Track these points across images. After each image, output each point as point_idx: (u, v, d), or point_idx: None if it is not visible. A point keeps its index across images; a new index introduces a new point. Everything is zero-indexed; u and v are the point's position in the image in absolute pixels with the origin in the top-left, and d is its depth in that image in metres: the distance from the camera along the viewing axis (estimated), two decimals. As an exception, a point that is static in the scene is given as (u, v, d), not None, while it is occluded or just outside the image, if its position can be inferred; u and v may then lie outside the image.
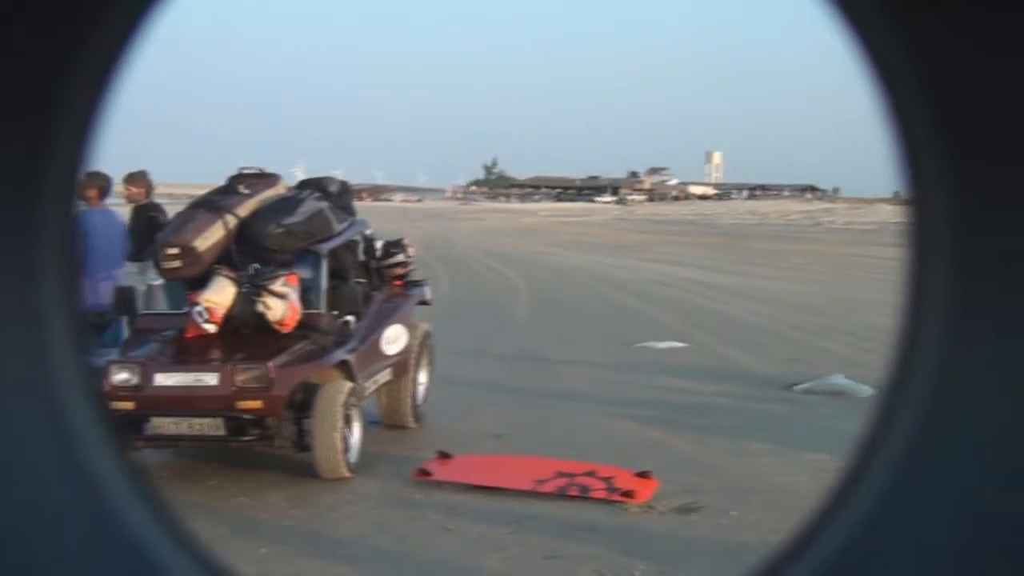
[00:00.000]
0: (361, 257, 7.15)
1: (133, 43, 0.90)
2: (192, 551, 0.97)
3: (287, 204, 6.12)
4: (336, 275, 6.55)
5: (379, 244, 7.43)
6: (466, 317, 13.30)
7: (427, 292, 7.89)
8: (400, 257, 7.52)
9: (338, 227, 6.42)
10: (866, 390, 8.28)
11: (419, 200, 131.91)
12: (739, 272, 21.69)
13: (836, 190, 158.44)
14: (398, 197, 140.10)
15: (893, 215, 76.57)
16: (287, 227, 5.98)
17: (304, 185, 6.64)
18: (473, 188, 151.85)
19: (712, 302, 15.54)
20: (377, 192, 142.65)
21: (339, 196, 6.66)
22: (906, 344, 0.95)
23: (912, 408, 0.90)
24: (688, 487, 5.70)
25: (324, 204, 6.32)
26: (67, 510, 0.86)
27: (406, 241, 7.69)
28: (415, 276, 7.85)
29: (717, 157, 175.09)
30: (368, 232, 7.15)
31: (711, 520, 5.20)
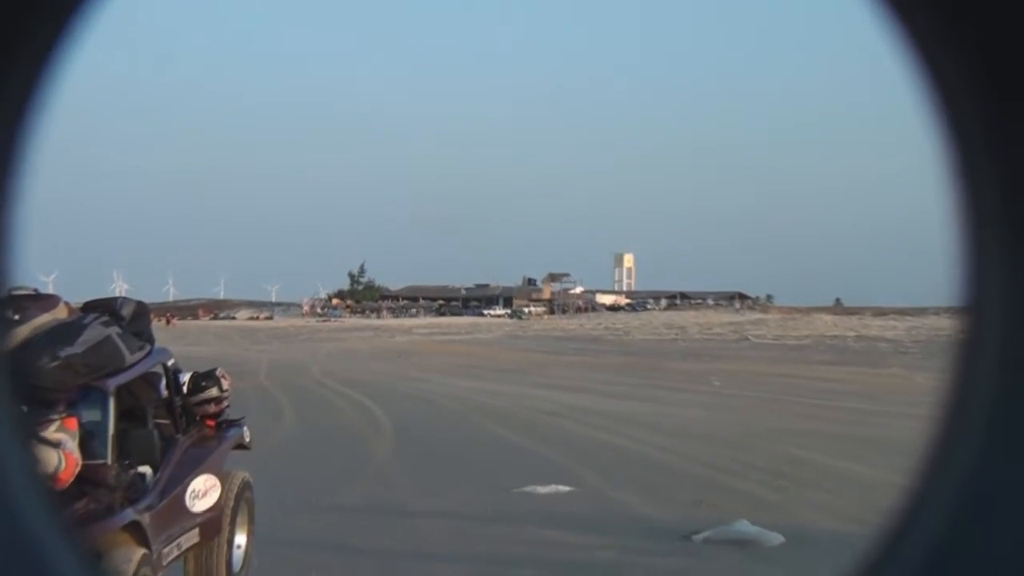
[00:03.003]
0: (162, 393, 7.18)
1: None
2: None
3: (66, 332, 6.15)
4: (129, 416, 6.56)
5: (185, 377, 7.48)
6: (311, 461, 13.26)
7: (246, 433, 7.92)
8: (212, 392, 7.57)
9: (130, 357, 6.46)
10: (774, 538, 8.67)
11: (268, 317, 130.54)
12: (645, 398, 22.30)
13: (769, 298, 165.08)
14: (242, 314, 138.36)
15: (830, 327, 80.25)
16: (65, 359, 6.00)
17: (89, 308, 6.69)
18: (336, 301, 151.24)
19: (609, 435, 15.93)
20: (214, 309, 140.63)
21: (133, 320, 6.73)
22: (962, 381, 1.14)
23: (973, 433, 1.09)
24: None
25: (112, 330, 6.37)
26: None
27: (220, 372, 7.75)
28: (231, 414, 7.89)
29: (629, 260, 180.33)
30: (171, 363, 7.21)
31: None
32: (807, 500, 10.70)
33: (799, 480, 11.85)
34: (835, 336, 64.53)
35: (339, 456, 13.89)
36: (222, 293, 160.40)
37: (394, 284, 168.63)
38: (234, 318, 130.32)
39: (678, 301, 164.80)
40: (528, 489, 11.20)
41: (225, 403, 7.74)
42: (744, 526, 9.05)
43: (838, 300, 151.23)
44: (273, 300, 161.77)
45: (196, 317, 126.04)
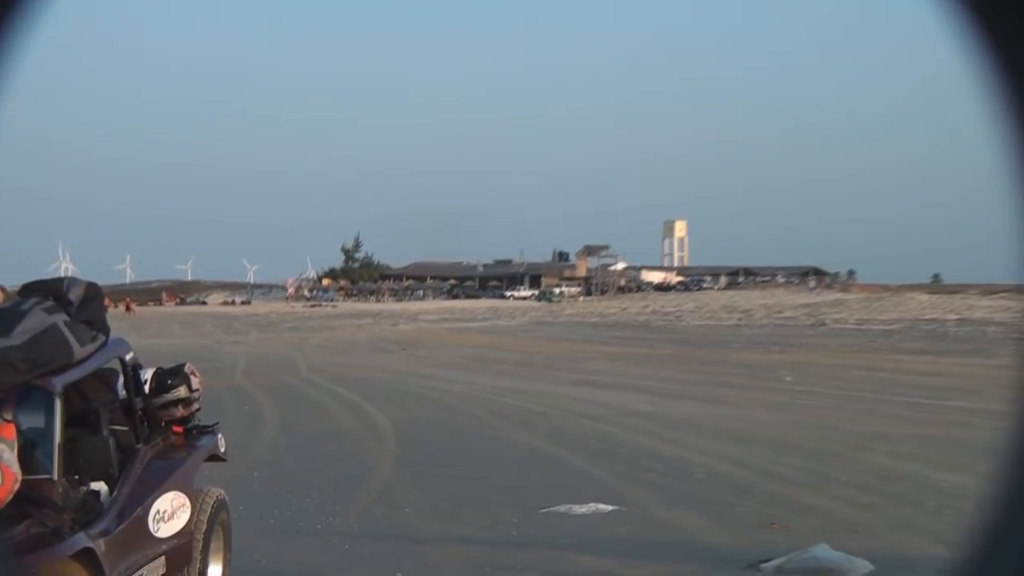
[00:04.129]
0: (119, 394, 7.19)
1: None
2: None
3: (1, 320, 6.16)
4: (79, 422, 6.57)
5: (147, 374, 7.49)
6: (299, 476, 13.30)
7: (220, 442, 7.94)
8: (180, 392, 7.58)
9: (80, 351, 6.47)
10: (860, 566, 8.62)
11: (246, 301, 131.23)
12: (702, 397, 22.28)
13: (851, 274, 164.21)
14: (215, 298, 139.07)
15: (926, 308, 79.94)
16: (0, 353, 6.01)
17: (29, 291, 6.69)
18: (327, 282, 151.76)
19: (659, 442, 15.90)
20: (180, 292, 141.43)
21: (83, 305, 6.72)
22: None
23: None
24: None
25: (58, 317, 6.38)
26: None
27: (189, 368, 7.76)
28: (203, 419, 7.91)
29: (680, 228, 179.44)
30: (129, 357, 7.22)
31: None
32: (900, 520, 10.64)
33: (890, 495, 11.79)
34: (932, 320, 64.28)
35: (332, 470, 13.93)
36: (190, 274, 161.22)
37: (396, 261, 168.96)
38: (205, 303, 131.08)
39: (740, 279, 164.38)
40: (562, 509, 11.19)
41: (195, 406, 7.77)
42: (824, 551, 8.99)
43: (936, 276, 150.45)
44: (251, 281, 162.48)
45: (159, 302, 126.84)
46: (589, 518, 10.86)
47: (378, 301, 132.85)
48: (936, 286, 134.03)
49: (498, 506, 11.51)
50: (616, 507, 11.26)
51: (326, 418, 19.60)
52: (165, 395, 7.52)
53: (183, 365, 7.80)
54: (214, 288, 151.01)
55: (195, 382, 7.73)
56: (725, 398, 22.17)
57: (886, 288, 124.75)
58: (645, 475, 13.23)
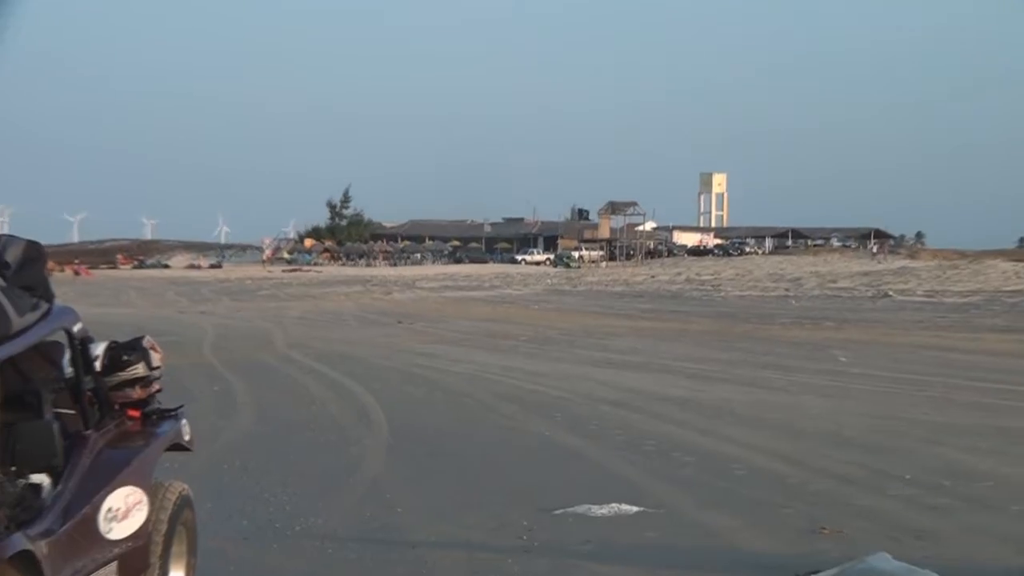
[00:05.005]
0: (65, 371, 7.19)
1: None
2: None
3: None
4: (17, 404, 6.56)
5: (99, 349, 7.49)
6: (277, 469, 13.34)
7: (184, 429, 7.94)
8: (138, 370, 7.59)
9: (19, 321, 6.45)
10: (928, 578, 8.58)
11: (215, 265, 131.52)
12: (744, 380, 22.33)
13: (919, 237, 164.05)
14: (179, 260, 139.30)
15: (1010, 278, 79.66)
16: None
17: (-47, 253, 6.67)
18: (309, 243, 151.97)
19: (693, 433, 15.94)
20: (139, 254, 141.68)
21: (22, 268, 6.71)
22: None
23: None
24: None
25: (-8, 283, 6.37)
26: None
27: (148, 343, 7.76)
28: (164, 402, 7.91)
29: (720, 182, 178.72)
30: (78, 329, 7.20)
31: None
32: (975, 525, 10.63)
33: (964, 497, 11.78)
34: (1017, 292, 64.01)
35: (315, 462, 13.97)
36: (149, 232, 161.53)
37: (391, 218, 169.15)
38: (167, 266, 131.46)
39: (789, 242, 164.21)
40: (580, 509, 11.20)
41: (155, 386, 7.79)
42: (883, 562, 8.95)
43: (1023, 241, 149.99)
44: (222, 241, 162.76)
45: (114, 265, 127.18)
46: (611, 520, 10.87)
47: (369, 265, 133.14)
48: (1023, 252, 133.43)
49: (506, 506, 11.52)
50: (642, 508, 11.26)
51: (308, 402, 19.62)
52: (120, 373, 7.52)
53: (141, 339, 7.79)
54: (178, 249, 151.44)
55: (155, 358, 7.73)
56: (769, 382, 22.20)
57: (961, 254, 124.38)
58: (676, 471, 13.24)
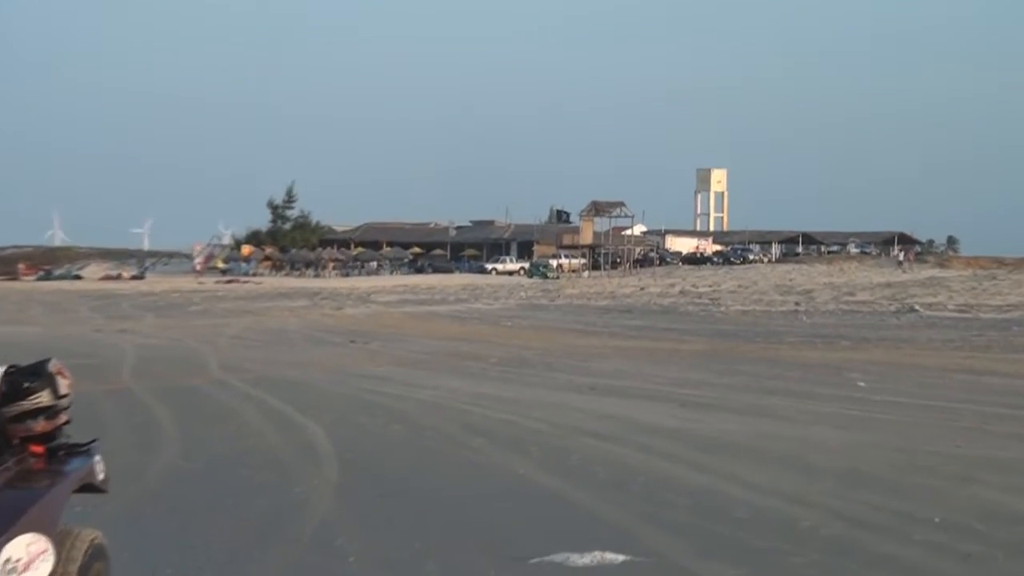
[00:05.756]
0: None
1: None
2: None
3: None
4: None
5: (-4, 374, 7.43)
6: (207, 513, 13.26)
7: (98, 467, 7.86)
8: (42, 398, 7.49)
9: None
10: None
11: (137, 275, 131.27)
12: (748, 409, 22.30)
13: (951, 243, 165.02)
14: (95, 270, 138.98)
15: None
16: None
17: None
18: (247, 250, 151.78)
19: (687, 470, 15.87)
20: (44, 263, 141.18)
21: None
22: None
23: None
24: None
25: None
26: None
27: (55, 367, 7.68)
28: (73, 436, 7.83)
29: (719, 179, 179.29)
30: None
31: None
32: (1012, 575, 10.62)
33: (1001, 543, 11.77)
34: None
35: (253, 504, 13.85)
36: (57, 238, 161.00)
37: (343, 221, 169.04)
38: (79, 277, 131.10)
39: (799, 249, 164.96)
40: (558, 558, 11.14)
41: (63, 417, 7.69)
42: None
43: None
44: (145, 248, 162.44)
45: (14, 276, 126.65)
46: (594, 571, 10.81)
47: (317, 276, 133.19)
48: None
49: (473, 554, 11.45)
50: (629, 556, 11.21)
51: (245, 434, 19.51)
52: (21, 403, 7.42)
53: (46, 362, 7.70)
54: (92, 257, 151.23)
55: (63, 385, 7.64)
56: (776, 410, 22.15)
57: (1000, 262, 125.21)
58: (668, 514, 13.16)
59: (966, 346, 38.76)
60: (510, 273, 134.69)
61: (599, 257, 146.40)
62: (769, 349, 37.49)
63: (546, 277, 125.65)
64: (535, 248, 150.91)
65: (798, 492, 14.27)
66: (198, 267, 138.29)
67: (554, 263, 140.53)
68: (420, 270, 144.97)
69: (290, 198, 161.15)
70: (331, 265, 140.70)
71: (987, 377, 28.46)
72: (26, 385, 7.50)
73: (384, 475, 15.83)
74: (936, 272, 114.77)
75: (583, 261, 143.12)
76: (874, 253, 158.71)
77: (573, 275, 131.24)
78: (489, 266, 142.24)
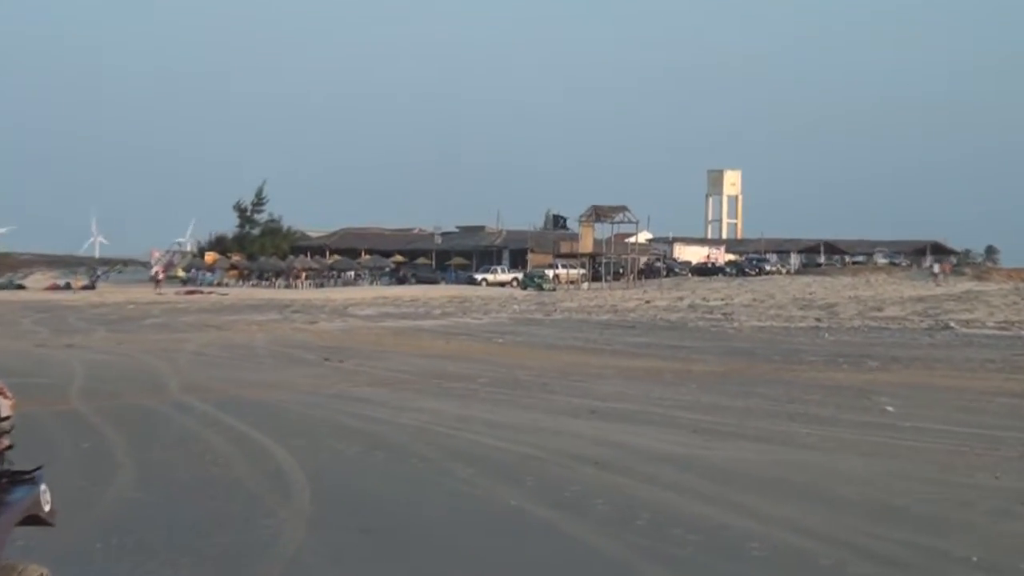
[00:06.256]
0: None
1: None
2: None
3: None
4: None
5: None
6: (163, 550, 13.21)
7: (44, 497, 7.77)
8: (-21, 424, 7.46)
9: None
10: None
11: (88, 285, 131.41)
12: (761, 436, 22.29)
13: (989, 253, 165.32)
14: (39, 279, 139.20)
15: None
16: None
17: None
18: (211, 257, 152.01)
19: (697, 502, 15.86)
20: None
21: None
22: None
23: None
24: None
25: None
26: None
27: (-5, 388, 7.63)
28: (16, 463, 7.75)
29: (733, 181, 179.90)
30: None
31: None
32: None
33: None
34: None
35: (216, 539, 13.80)
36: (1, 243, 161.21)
37: (318, 226, 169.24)
38: (22, 287, 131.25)
39: (821, 259, 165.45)
40: (554, 601, 11.10)
41: (5, 442, 7.65)
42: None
43: None
44: (97, 255, 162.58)
45: None
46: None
47: (288, 286, 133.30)
48: None
49: (460, 597, 11.43)
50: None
51: (207, 462, 19.46)
52: (-44, 428, 7.38)
53: (-13, 383, 7.66)
54: (37, 264, 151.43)
55: (4, 406, 7.60)
56: (796, 437, 22.13)
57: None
58: (676, 551, 13.13)
59: (1007, 367, 38.72)
60: (502, 284, 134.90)
61: (600, 267, 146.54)
62: (787, 370, 37.47)
63: (541, 289, 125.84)
64: (529, 257, 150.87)
65: (820, 527, 14.22)
66: (158, 276, 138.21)
67: (550, 273, 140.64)
68: (402, 280, 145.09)
69: (259, 200, 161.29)
70: (304, 275, 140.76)
71: (1025, 400, 28.47)
72: (-38, 408, 7.46)
73: (362, 507, 15.79)
74: (973, 285, 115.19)
75: (582, 271, 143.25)
76: (904, 264, 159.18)
77: (571, 287, 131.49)
78: (479, 276, 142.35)
